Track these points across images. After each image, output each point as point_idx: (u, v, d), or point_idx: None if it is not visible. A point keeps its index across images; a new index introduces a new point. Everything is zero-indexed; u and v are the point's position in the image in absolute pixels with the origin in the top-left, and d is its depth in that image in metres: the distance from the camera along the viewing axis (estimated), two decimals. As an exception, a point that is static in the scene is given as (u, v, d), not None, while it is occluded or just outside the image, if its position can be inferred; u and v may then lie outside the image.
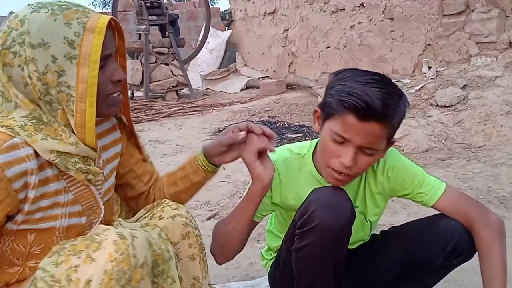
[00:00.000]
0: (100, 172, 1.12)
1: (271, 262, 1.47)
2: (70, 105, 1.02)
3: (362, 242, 1.40)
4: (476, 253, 1.25)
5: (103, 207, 1.15)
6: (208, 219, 2.64)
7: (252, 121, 5.26)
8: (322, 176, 1.27)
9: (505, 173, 3.13)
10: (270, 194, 1.30)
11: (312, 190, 1.22)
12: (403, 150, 3.69)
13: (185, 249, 1.20)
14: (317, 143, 1.31)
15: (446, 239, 1.24)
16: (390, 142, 1.19)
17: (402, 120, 1.17)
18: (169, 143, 4.72)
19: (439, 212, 1.31)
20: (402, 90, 1.19)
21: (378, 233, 1.47)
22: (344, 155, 1.13)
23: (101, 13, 1.14)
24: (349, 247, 1.28)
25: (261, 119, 5.45)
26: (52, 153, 1.00)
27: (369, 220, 1.36)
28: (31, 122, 1.01)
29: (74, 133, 1.04)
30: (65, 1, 1.05)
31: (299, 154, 1.31)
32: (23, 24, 1.01)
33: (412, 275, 1.31)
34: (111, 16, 1.10)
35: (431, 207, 1.30)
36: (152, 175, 1.42)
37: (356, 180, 1.28)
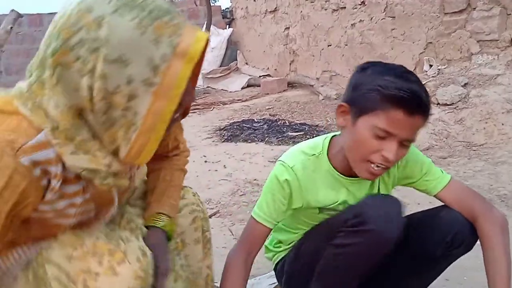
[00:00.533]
0: (129, 183, 1.02)
1: (280, 254, 1.48)
2: (129, 134, 0.86)
3: None
4: (476, 249, 1.25)
5: (117, 203, 1.07)
6: (209, 217, 2.64)
7: (253, 120, 5.27)
8: (339, 174, 1.28)
9: (506, 171, 3.13)
10: (286, 201, 1.29)
11: (367, 197, 1.25)
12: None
13: (191, 233, 1.21)
14: (331, 140, 1.31)
15: (445, 229, 1.24)
16: None
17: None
18: (170, 141, 4.71)
19: (439, 205, 1.32)
20: None
21: None
22: (388, 149, 1.13)
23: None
24: None
25: (262, 117, 5.45)
26: (80, 169, 0.88)
27: None
28: (64, 127, 0.84)
29: (113, 154, 0.89)
30: (155, 3, 0.85)
31: (313, 154, 1.29)
32: (100, 27, 0.81)
33: (414, 267, 1.31)
34: (207, 35, 0.90)
35: (434, 196, 1.31)
36: (179, 146, 1.30)
37: None
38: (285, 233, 1.46)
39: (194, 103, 6.62)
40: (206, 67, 8.60)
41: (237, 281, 1.26)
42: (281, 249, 1.48)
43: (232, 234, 2.38)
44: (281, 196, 1.27)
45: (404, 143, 1.14)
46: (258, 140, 4.50)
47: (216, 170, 3.58)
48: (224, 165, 3.70)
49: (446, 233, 1.24)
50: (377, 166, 1.16)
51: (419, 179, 1.31)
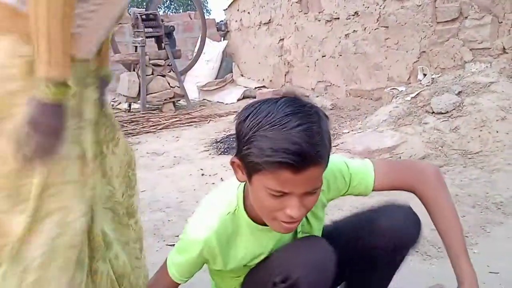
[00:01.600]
0: None
1: None
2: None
3: None
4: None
5: None
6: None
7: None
8: (260, 225, 1.20)
9: (502, 178, 3.14)
10: (200, 267, 1.26)
11: (293, 246, 1.19)
12: (400, 157, 3.69)
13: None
14: (244, 188, 1.20)
15: (387, 237, 1.24)
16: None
17: (330, 135, 1.06)
18: (167, 154, 4.72)
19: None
20: (315, 105, 1.08)
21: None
22: (289, 207, 1.03)
23: None
24: None
25: (258, 129, 5.45)
26: None
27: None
28: None
29: None
30: None
31: (229, 213, 1.19)
32: None
33: (367, 267, 1.31)
34: None
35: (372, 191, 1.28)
36: None
37: None
38: (220, 281, 1.39)
39: (190, 116, 6.64)
40: (201, 79, 8.63)
41: None
42: None
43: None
44: (194, 266, 1.23)
45: (310, 192, 1.05)
46: (255, 152, 4.50)
47: (213, 183, 3.58)
48: (221, 178, 3.70)
49: (388, 241, 1.24)
50: (286, 223, 1.07)
51: (348, 189, 1.26)
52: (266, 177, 1.01)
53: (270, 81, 7.99)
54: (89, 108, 1.09)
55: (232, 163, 1.10)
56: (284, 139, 0.97)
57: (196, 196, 3.29)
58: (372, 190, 1.27)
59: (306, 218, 1.27)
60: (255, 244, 1.22)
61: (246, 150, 1.03)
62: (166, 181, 3.73)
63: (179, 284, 1.27)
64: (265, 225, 1.17)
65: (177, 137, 5.57)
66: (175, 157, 4.60)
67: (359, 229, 1.31)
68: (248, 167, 1.05)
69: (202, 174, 3.86)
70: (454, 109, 4.04)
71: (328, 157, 1.05)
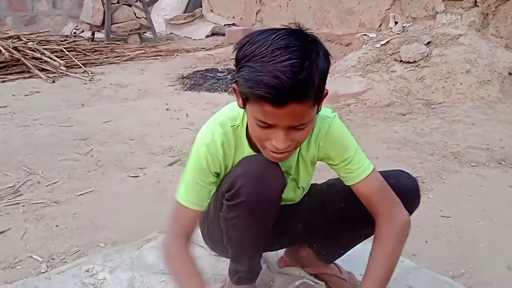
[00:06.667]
0: None
1: None
2: None
3: (293, 202, 1.38)
4: None
5: None
6: (170, 165, 2.63)
7: (217, 69, 5.20)
8: (257, 153, 1.19)
9: (461, 129, 3.24)
10: (211, 180, 1.21)
11: (241, 160, 1.18)
12: (366, 104, 3.74)
13: None
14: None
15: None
16: (321, 101, 1.06)
17: (326, 73, 1.03)
18: (131, 87, 4.61)
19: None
20: (319, 41, 1.03)
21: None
22: (275, 138, 1.04)
23: None
24: (283, 203, 1.24)
25: (226, 67, 5.37)
26: None
27: (301, 187, 1.35)
28: None
29: None
30: None
31: (232, 126, 1.20)
32: None
33: (351, 224, 1.34)
34: None
35: (349, 185, 1.25)
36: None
37: None
38: None
39: (156, 49, 6.46)
40: (169, 12, 8.34)
41: (194, 271, 1.16)
42: None
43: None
44: (205, 180, 1.20)
45: (297, 127, 1.04)
46: (222, 90, 4.46)
47: (178, 119, 3.55)
48: (187, 114, 3.66)
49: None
50: (274, 153, 1.08)
51: (339, 163, 1.23)
52: (253, 107, 1.02)
53: (241, 18, 7.79)
54: None
55: (234, 89, 1.10)
56: (267, 72, 0.95)
57: (160, 130, 3.25)
58: (351, 186, 1.24)
59: (298, 166, 1.27)
60: None
61: (238, 78, 1.03)
62: (130, 114, 3.66)
63: (199, 212, 1.21)
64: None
65: (142, 70, 5.43)
66: (139, 90, 4.50)
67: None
68: (241, 95, 1.06)
69: (167, 109, 3.81)
70: (422, 59, 4.07)
71: (319, 97, 1.03)
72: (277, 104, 0.97)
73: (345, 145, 1.22)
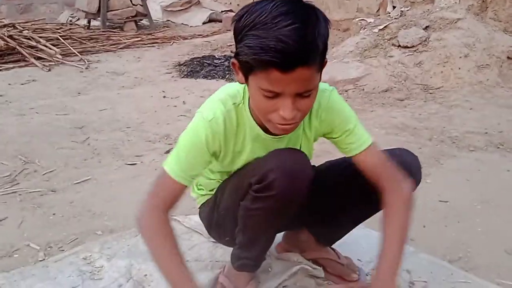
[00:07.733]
0: None
1: (203, 199, 1.43)
2: None
3: None
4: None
5: None
6: (167, 152, 2.62)
7: (214, 56, 5.17)
8: (261, 129, 1.19)
9: (459, 114, 3.22)
10: (205, 158, 1.19)
11: (272, 152, 1.18)
12: (364, 89, 3.72)
13: None
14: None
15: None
16: (323, 68, 1.07)
17: (327, 38, 1.03)
18: (127, 75, 4.58)
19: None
20: (316, 7, 1.03)
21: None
22: (282, 107, 1.03)
23: None
24: None
25: (223, 54, 5.34)
26: None
27: None
28: None
29: None
30: None
31: (234, 103, 1.19)
32: None
33: (351, 204, 1.34)
34: None
35: (352, 157, 1.25)
36: None
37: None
38: (202, 178, 1.40)
39: (153, 37, 6.41)
40: (166, -1, 8.27)
41: (173, 244, 1.13)
42: (203, 192, 1.43)
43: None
44: (199, 157, 1.17)
45: (303, 94, 1.03)
46: (219, 77, 4.43)
47: (175, 106, 3.53)
48: (184, 101, 3.64)
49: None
50: (281, 124, 1.07)
51: (341, 135, 1.24)
52: (258, 77, 1.01)
53: (238, 5, 7.73)
54: None
55: (233, 64, 1.09)
56: (273, 38, 0.95)
57: (157, 118, 3.24)
58: (353, 158, 1.24)
59: (301, 143, 1.27)
60: (261, 149, 1.22)
61: (240, 49, 1.01)
62: (126, 102, 3.64)
63: (185, 187, 1.17)
64: (266, 133, 1.19)
65: (138, 57, 5.40)
66: (136, 78, 4.48)
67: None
68: (243, 67, 1.04)
69: (164, 97, 3.78)
70: (420, 44, 4.04)
71: (322, 61, 1.03)
72: (285, 69, 0.96)
73: (346, 116, 1.23)
